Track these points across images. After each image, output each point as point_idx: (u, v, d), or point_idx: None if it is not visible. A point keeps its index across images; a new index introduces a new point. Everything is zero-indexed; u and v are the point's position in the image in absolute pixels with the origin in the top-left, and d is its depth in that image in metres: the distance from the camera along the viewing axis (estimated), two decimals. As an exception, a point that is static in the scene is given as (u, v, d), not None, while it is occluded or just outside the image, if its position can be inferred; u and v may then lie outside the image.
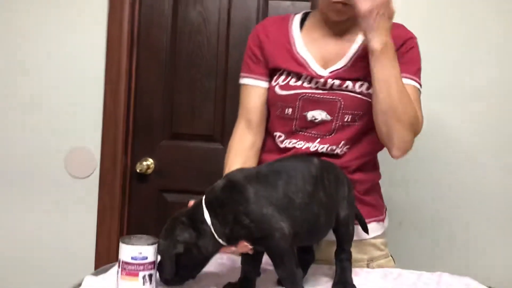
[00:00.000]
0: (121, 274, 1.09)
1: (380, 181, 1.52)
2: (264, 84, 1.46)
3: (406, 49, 1.39)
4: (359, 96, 1.37)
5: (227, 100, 2.24)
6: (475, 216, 2.12)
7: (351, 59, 1.39)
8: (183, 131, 2.29)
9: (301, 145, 1.40)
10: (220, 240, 1.08)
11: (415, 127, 1.34)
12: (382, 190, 1.54)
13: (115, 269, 1.16)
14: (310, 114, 1.39)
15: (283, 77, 1.41)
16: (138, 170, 2.28)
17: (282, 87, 1.41)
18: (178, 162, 2.28)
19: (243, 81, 1.49)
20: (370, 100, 1.35)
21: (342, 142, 1.39)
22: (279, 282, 1.19)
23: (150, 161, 2.29)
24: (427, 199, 2.13)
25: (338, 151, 1.39)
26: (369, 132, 1.39)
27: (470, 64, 2.11)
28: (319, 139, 1.39)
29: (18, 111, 2.30)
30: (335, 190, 1.17)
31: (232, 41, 2.25)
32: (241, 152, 1.44)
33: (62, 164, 2.28)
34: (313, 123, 1.39)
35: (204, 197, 1.11)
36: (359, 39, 1.41)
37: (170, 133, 2.29)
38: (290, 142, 1.42)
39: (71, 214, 2.29)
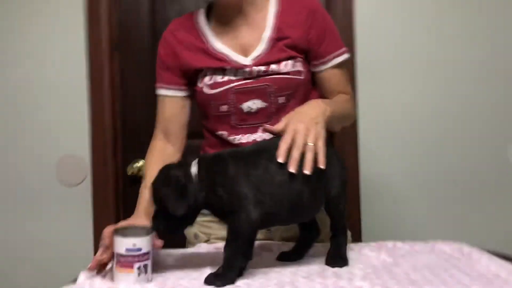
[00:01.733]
0: (116, 266, 1.10)
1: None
2: (179, 93, 1.44)
3: (321, 21, 1.39)
4: (286, 76, 1.36)
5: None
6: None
7: (268, 41, 1.37)
8: (171, 130, 2.29)
9: (245, 138, 1.38)
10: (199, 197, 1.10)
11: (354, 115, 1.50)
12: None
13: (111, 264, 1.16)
14: (246, 106, 1.37)
15: (208, 77, 1.39)
16: (129, 173, 2.28)
17: (211, 86, 1.38)
18: (169, 161, 2.28)
19: (158, 92, 1.47)
20: (297, 77, 1.37)
21: None
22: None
23: (141, 163, 2.29)
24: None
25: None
26: None
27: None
28: (261, 128, 1.37)
29: (9, 122, 2.30)
30: (325, 169, 1.17)
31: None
32: (163, 160, 1.32)
33: (54, 173, 2.28)
34: (251, 114, 1.37)
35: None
36: (269, 20, 1.39)
37: (158, 133, 2.29)
38: (234, 138, 1.39)
39: (66, 223, 2.29)
